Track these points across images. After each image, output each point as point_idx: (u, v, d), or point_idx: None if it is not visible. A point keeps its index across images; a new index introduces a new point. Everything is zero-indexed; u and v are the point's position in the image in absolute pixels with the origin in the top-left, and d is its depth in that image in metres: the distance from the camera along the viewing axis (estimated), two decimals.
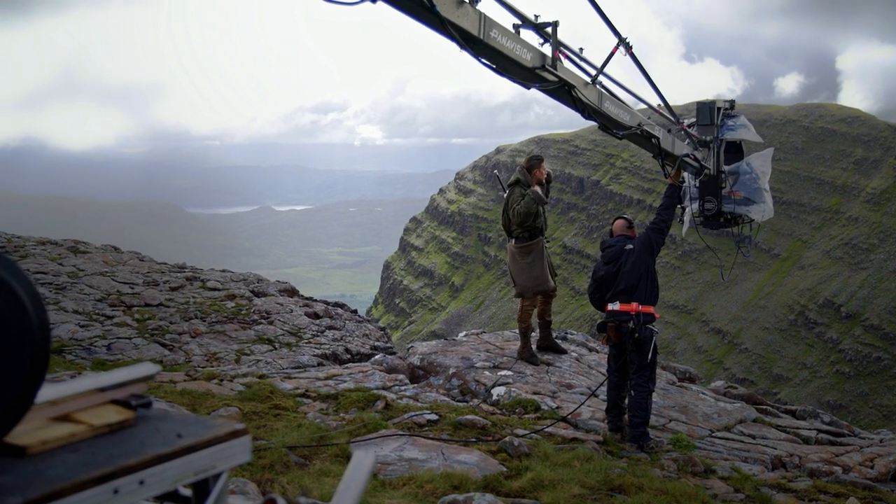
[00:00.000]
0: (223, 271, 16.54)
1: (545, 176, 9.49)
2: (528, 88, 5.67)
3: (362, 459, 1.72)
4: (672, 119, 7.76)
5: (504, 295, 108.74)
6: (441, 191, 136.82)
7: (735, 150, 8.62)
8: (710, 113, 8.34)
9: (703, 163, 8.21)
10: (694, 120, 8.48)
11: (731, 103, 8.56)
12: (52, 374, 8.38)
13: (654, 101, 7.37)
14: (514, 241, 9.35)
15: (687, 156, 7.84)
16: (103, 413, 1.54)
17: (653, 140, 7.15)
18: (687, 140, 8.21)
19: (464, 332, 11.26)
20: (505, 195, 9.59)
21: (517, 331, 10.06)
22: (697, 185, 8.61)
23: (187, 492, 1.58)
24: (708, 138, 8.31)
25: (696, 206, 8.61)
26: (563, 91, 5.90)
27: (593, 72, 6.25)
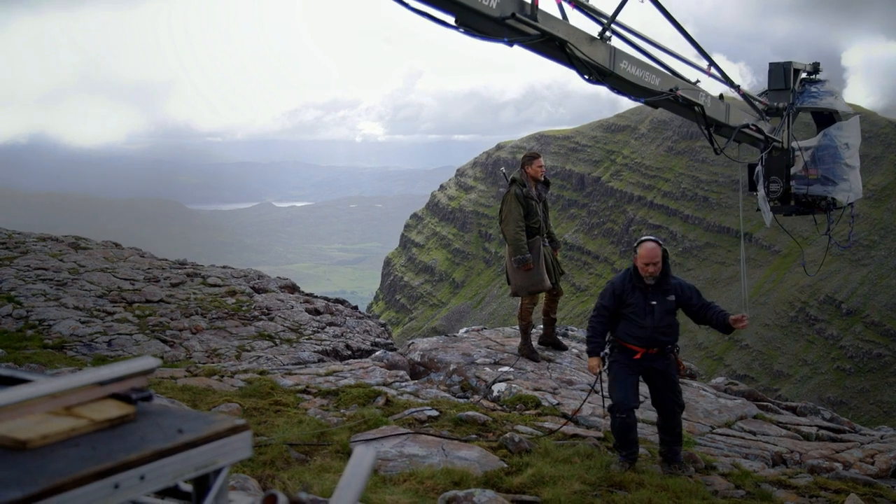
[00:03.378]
0: (224, 268, 16.54)
1: (542, 174, 9.12)
2: (510, 45, 4.73)
3: (363, 455, 1.72)
4: (725, 81, 6.63)
5: (505, 291, 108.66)
6: (442, 187, 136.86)
7: (827, 122, 7.49)
8: (784, 76, 7.14)
9: (769, 135, 7.03)
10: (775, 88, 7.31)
11: (815, 66, 7.38)
12: (53, 369, 8.39)
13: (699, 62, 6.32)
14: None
15: (747, 126, 6.73)
16: (104, 408, 1.53)
17: (695, 108, 6.12)
18: (756, 111, 7.08)
19: (464, 329, 11.27)
20: None
21: (517, 327, 10.05)
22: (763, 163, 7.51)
23: (188, 487, 1.58)
24: (780, 105, 7.12)
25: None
26: (553, 48, 4.91)
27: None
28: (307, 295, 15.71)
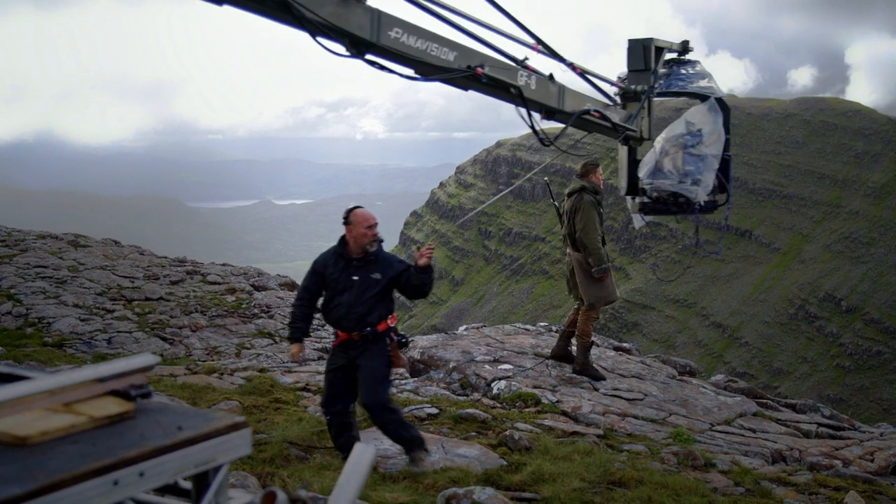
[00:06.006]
0: (223, 265, 16.55)
1: (601, 182, 8.80)
2: (219, 4, 3.58)
3: (363, 453, 1.72)
4: (556, 58, 5.43)
5: (504, 289, 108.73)
6: (441, 185, 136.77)
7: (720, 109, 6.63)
8: (643, 55, 6.23)
9: (620, 123, 6.04)
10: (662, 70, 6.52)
11: (684, 45, 6.60)
12: (53, 367, 8.39)
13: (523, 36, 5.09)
14: (579, 251, 8.61)
15: (588, 112, 5.65)
16: (103, 404, 1.54)
17: (511, 90, 4.96)
18: (603, 94, 6.06)
19: (464, 326, 11.26)
20: (557, 204, 8.87)
21: (518, 325, 10.01)
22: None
23: (187, 484, 1.58)
24: (639, 88, 6.19)
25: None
26: (274, 6, 3.67)
27: None
28: None
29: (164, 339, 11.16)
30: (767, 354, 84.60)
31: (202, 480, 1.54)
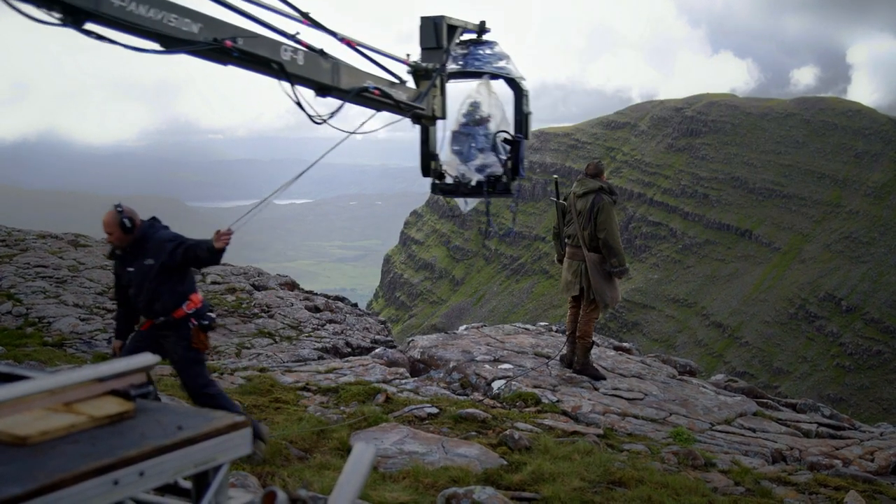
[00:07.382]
0: (223, 265, 16.55)
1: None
2: None
3: (363, 453, 1.73)
4: (328, 33, 4.96)
5: (504, 289, 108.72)
6: None
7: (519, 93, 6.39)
8: (434, 32, 6.00)
9: (407, 102, 5.68)
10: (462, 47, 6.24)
11: (481, 26, 6.39)
12: (53, 367, 8.39)
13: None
14: (595, 252, 8.58)
15: (366, 90, 5.24)
16: (104, 404, 1.54)
17: (273, 65, 4.53)
18: (386, 71, 5.63)
19: (464, 326, 11.26)
20: (566, 202, 8.81)
21: (518, 324, 9.98)
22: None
23: (187, 484, 1.58)
24: (430, 67, 5.96)
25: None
26: None
27: None
28: (307, 292, 15.71)
29: None
30: (767, 354, 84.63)
31: (202, 480, 1.54)
